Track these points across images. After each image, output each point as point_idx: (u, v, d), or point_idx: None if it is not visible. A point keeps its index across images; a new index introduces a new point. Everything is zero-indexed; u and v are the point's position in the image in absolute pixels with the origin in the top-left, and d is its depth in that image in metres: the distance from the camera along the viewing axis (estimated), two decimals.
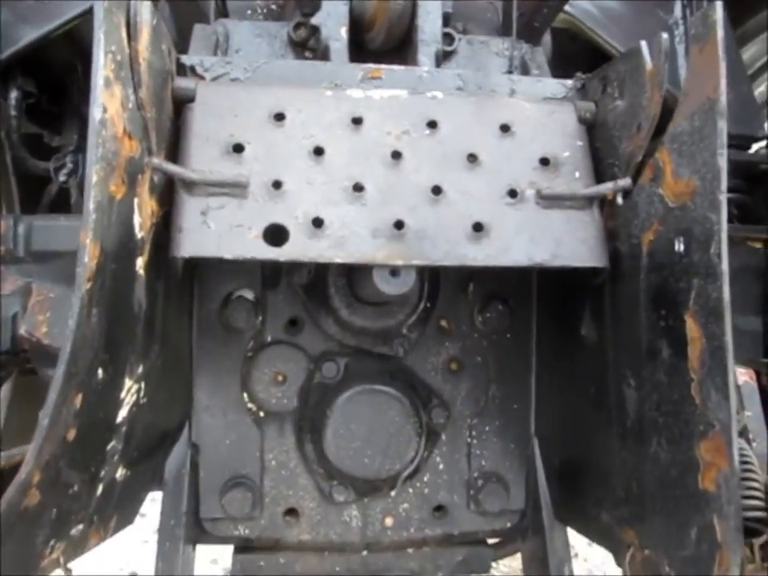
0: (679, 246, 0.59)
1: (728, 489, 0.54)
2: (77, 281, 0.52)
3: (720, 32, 0.56)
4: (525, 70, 0.91)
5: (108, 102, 0.51)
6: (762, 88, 1.62)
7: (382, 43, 0.84)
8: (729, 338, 0.54)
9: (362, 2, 0.82)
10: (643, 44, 0.65)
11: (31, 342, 1.01)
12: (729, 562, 0.54)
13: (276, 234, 0.61)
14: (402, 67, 0.74)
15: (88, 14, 1.23)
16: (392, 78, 0.71)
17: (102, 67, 0.50)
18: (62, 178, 1.39)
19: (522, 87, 0.74)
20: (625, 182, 0.65)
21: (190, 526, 0.81)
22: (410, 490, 0.86)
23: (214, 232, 0.60)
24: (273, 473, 0.84)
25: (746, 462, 0.63)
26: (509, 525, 0.86)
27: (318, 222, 0.62)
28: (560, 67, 1.38)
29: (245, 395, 0.84)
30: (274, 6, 1.08)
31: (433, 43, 0.81)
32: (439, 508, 0.86)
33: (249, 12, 1.08)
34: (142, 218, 0.58)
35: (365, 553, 0.86)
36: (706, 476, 0.57)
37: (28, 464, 0.50)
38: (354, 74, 0.71)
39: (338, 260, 0.62)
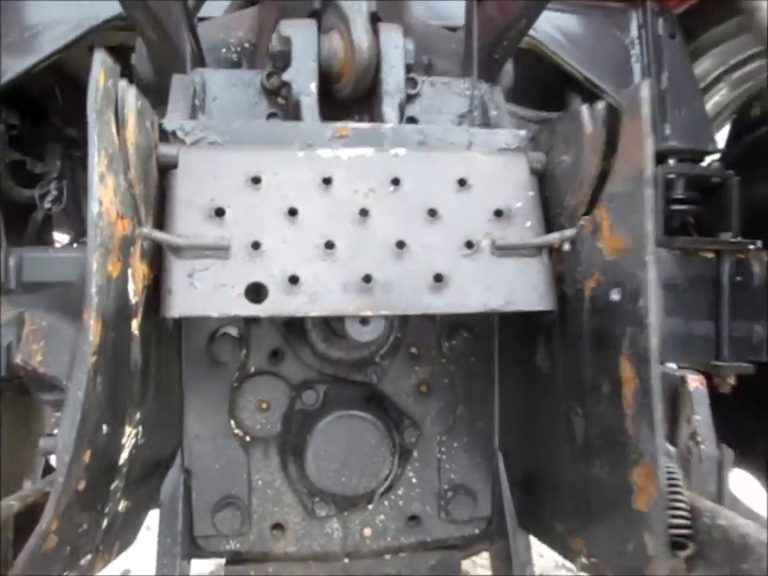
0: (615, 296, 0.67)
1: (657, 510, 0.63)
2: (82, 356, 0.58)
3: (646, 110, 0.63)
4: (484, 109, 0.98)
5: (103, 195, 0.57)
6: (717, 98, 1.69)
7: (350, 93, 0.90)
8: (655, 381, 0.62)
9: (329, 58, 0.87)
10: (583, 108, 0.72)
11: (27, 370, 1.07)
12: (658, 572, 0.62)
13: (256, 292, 0.68)
14: (368, 125, 0.81)
15: (70, 47, 1.27)
16: (358, 135, 0.78)
17: (96, 165, 0.56)
18: (46, 206, 1.43)
19: (478, 139, 0.80)
20: (570, 232, 0.72)
21: (185, 543, 0.89)
22: (386, 503, 0.94)
23: (200, 292, 0.67)
24: (260, 492, 0.92)
25: (674, 485, 0.71)
26: (477, 531, 0.95)
27: (294, 279, 0.69)
28: (526, 89, 1.45)
29: (232, 422, 0.91)
30: (246, 45, 1.13)
31: (396, 94, 0.87)
32: (413, 518, 0.95)
33: (223, 50, 1.14)
34: (135, 284, 0.65)
35: (346, 560, 0.94)
36: (638, 498, 0.65)
37: (48, 514, 0.56)
38: (324, 133, 0.78)
39: (314, 314, 0.69)
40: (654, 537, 0.63)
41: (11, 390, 1.23)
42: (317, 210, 0.72)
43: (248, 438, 0.91)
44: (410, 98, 0.95)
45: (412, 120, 0.95)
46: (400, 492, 0.94)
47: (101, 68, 0.58)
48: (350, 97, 0.90)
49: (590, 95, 1.40)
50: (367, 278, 0.70)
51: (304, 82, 0.85)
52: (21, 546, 0.59)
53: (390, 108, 0.86)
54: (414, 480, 0.94)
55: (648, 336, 0.62)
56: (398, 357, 0.92)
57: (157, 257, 0.69)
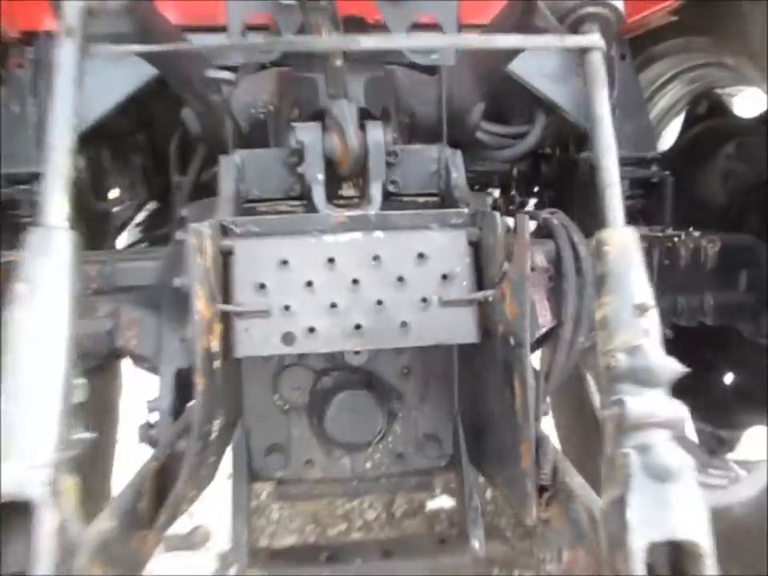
0: (512, 341, 1.06)
1: (530, 469, 1.05)
2: (199, 400, 0.98)
3: (526, 238, 0.99)
4: (447, 170, 1.32)
5: (200, 305, 0.97)
6: (672, 93, 1.96)
7: (348, 173, 1.26)
8: (530, 396, 1.02)
9: (332, 152, 1.23)
10: (497, 215, 1.08)
11: (127, 350, 1.51)
12: (531, 507, 1.06)
13: (288, 338, 1.09)
14: (358, 213, 1.18)
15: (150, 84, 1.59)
16: (352, 222, 1.15)
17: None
18: (126, 213, 1.83)
19: (434, 219, 1.17)
20: (489, 293, 1.11)
21: (248, 474, 1.36)
22: (380, 447, 1.39)
23: (254, 340, 1.08)
24: (295, 441, 1.38)
25: (544, 453, 1.12)
26: (443, 463, 1.41)
27: (311, 329, 1.09)
28: (498, 107, 1.74)
29: (275, 396, 1.36)
30: (270, 107, 1.47)
31: (378, 178, 1.23)
32: (399, 455, 1.41)
33: (252, 110, 1.47)
34: (216, 340, 1.06)
35: (354, 482, 1.42)
36: (522, 461, 1.08)
37: (185, 469, 1.00)
38: (329, 221, 1.15)
39: (324, 350, 1.11)
40: (530, 483, 1.06)
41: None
42: (325, 281, 1.11)
43: (286, 407, 1.37)
44: (391, 165, 1.30)
45: (394, 182, 1.31)
46: (389, 440, 1.39)
47: (194, 240, 0.96)
48: (348, 174, 1.26)
49: (552, 112, 1.71)
50: (358, 326, 1.10)
51: (314, 173, 1.21)
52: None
53: (375, 191, 1.22)
54: (399, 431, 1.39)
55: (525, 369, 1.02)
56: (387, 352, 1.35)
57: (227, 318, 1.10)
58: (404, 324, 1.11)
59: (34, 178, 1.56)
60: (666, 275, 1.62)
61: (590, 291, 1.30)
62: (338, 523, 2.48)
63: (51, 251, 0.92)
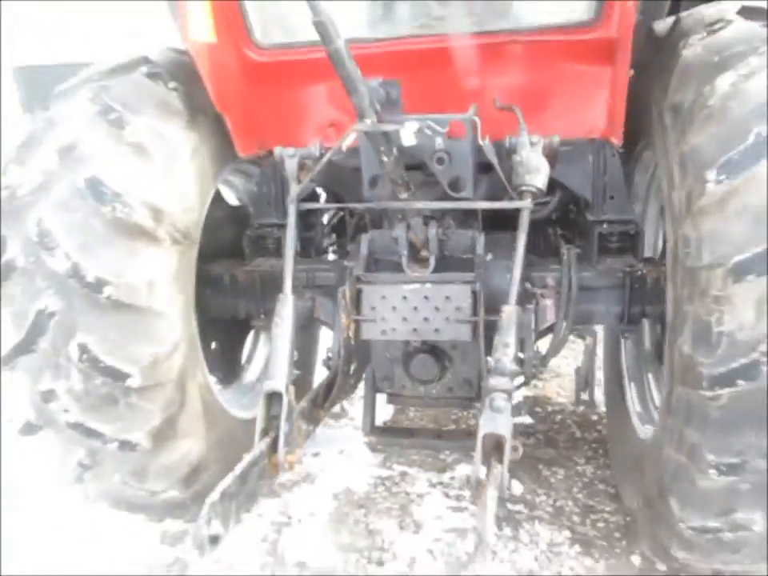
0: None
1: None
2: (343, 354, 2.32)
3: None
4: (474, 243, 2.46)
5: (345, 324, 2.28)
6: None
7: (420, 248, 2.47)
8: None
9: (413, 241, 2.43)
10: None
11: (319, 319, 2.88)
12: None
13: (383, 332, 2.37)
14: (420, 273, 2.39)
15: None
16: (417, 279, 2.37)
17: (342, 319, 2.27)
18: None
19: (456, 279, 2.34)
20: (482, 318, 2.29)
21: (372, 389, 2.70)
22: (440, 383, 2.60)
23: (369, 331, 2.38)
24: (396, 376, 2.67)
25: None
26: (473, 395, 2.62)
27: (393, 329, 2.36)
28: None
29: (387, 354, 2.66)
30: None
31: (433, 253, 2.41)
32: (450, 388, 2.63)
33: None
34: (353, 331, 2.37)
35: (427, 400, 2.69)
36: None
37: (337, 389, 2.35)
38: (406, 278, 2.38)
39: (400, 339, 2.39)
40: None
41: None
42: (401, 307, 2.34)
43: (391, 359, 2.66)
44: (443, 241, 2.46)
45: (443, 251, 2.48)
46: (444, 380, 2.60)
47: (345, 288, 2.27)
48: (420, 248, 2.47)
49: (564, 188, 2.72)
50: (415, 330, 2.35)
51: (402, 250, 2.42)
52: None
53: (432, 260, 2.39)
54: (449, 376, 2.60)
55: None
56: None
57: (357, 321, 2.40)
58: (437, 330, 2.34)
59: (274, 226, 2.96)
60: None
61: (573, 303, 2.43)
62: (416, 419, 3.78)
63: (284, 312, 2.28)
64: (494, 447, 1.90)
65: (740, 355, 1.73)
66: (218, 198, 2.95)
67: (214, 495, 1.82)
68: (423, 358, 2.54)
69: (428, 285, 2.36)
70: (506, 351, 2.01)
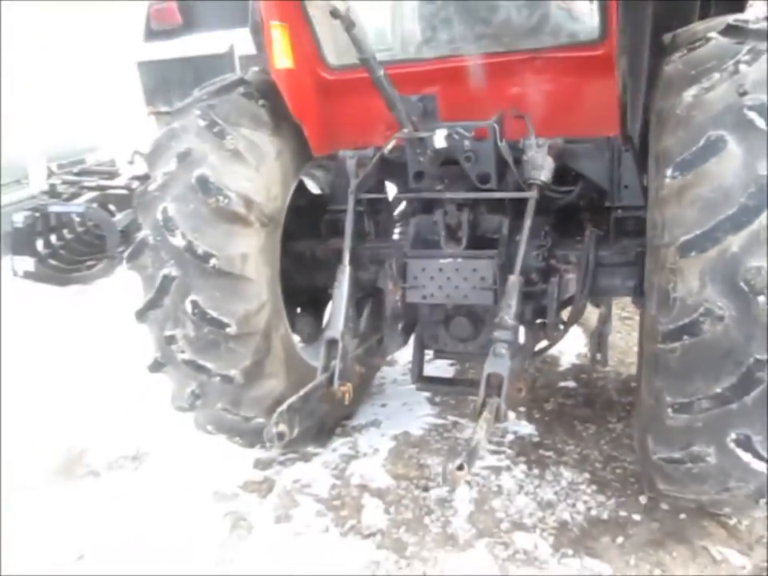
0: None
1: None
2: (388, 316, 2.93)
3: None
4: (501, 226, 2.97)
5: (394, 291, 2.88)
6: None
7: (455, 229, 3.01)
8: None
9: (450, 224, 2.98)
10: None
11: (381, 288, 3.51)
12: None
13: (424, 296, 2.95)
14: (454, 250, 2.94)
15: None
16: (450, 254, 2.93)
17: (390, 288, 2.87)
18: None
19: (481, 255, 2.88)
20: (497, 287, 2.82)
21: (421, 345, 3.28)
22: (475, 340, 3.16)
23: (413, 296, 2.97)
24: (440, 336, 3.25)
25: None
26: None
27: (432, 294, 2.94)
28: (557, 179, 3.27)
29: (432, 314, 3.24)
30: None
31: (464, 234, 2.96)
32: (483, 347, 3.17)
33: None
34: (399, 295, 2.97)
35: (464, 354, 3.24)
36: None
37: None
38: (443, 254, 2.94)
39: (437, 302, 2.96)
40: None
41: None
42: (438, 276, 2.92)
43: (434, 320, 3.22)
44: (473, 224, 3.00)
45: (475, 231, 3.00)
46: (478, 340, 3.14)
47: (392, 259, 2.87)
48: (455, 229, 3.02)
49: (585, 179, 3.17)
50: (448, 296, 2.91)
51: (440, 231, 2.98)
52: None
53: (464, 240, 2.93)
54: (483, 335, 3.14)
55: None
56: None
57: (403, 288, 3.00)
58: (465, 296, 2.89)
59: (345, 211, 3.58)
60: None
61: (591, 278, 2.91)
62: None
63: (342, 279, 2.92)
64: (495, 384, 2.45)
65: (686, 315, 2.18)
66: (302, 188, 3.63)
67: (283, 407, 2.49)
68: (461, 320, 3.10)
69: (459, 259, 2.91)
70: (508, 311, 2.55)
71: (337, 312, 2.86)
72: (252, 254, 2.93)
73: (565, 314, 3.15)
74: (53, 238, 7.06)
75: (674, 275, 2.21)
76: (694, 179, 2.18)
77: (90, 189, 7.32)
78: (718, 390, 2.19)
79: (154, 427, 4.12)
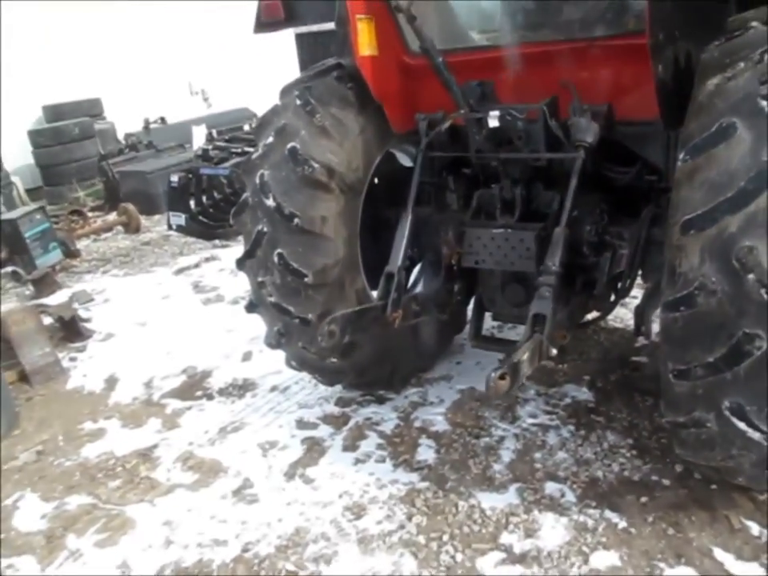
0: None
1: None
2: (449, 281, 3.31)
3: None
4: (553, 201, 3.22)
5: (449, 253, 3.25)
6: None
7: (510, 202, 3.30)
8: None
9: (507, 198, 3.28)
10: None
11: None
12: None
13: (478, 261, 3.30)
14: (507, 220, 3.24)
15: None
16: (502, 225, 3.24)
17: (446, 253, 3.24)
18: None
19: (527, 227, 3.17)
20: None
21: (480, 308, 3.63)
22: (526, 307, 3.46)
23: (470, 261, 3.32)
24: (497, 299, 3.56)
25: None
26: None
27: (484, 260, 3.27)
28: (615, 158, 3.42)
29: (489, 278, 3.56)
30: None
31: (517, 208, 3.24)
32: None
33: None
34: (456, 259, 3.33)
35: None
36: None
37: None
38: (496, 224, 3.27)
39: (490, 267, 3.29)
40: None
41: None
42: (490, 243, 3.24)
43: (503, 286, 3.54)
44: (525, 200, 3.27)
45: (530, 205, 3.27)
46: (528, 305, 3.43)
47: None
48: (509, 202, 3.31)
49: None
50: (498, 262, 3.23)
51: (495, 204, 3.30)
52: None
53: (517, 212, 3.24)
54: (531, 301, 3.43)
55: None
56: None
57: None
58: (512, 263, 3.19)
59: (427, 183, 3.97)
60: None
61: (641, 254, 3.12)
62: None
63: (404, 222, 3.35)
64: (539, 322, 2.76)
65: (684, 288, 2.38)
66: (393, 160, 4.06)
67: (338, 314, 3.00)
68: (515, 286, 3.41)
69: (509, 230, 3.22)
70: (553, 258, 2.86)
71: (397, 249, 3.24)
72: (331, 216, 3.41)
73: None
74: (203, 198, 8.01)
75: (680, 251, 2.41)
76: (704, 162, 2.35)
77: (237, 154, 8.20)
78: (711, 360, 2.37)
79: (263, 362, 4.80)
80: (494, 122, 3.04)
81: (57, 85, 11.67)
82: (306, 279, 3.38)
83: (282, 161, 3.39)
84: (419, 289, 3.97)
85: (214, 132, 10.30)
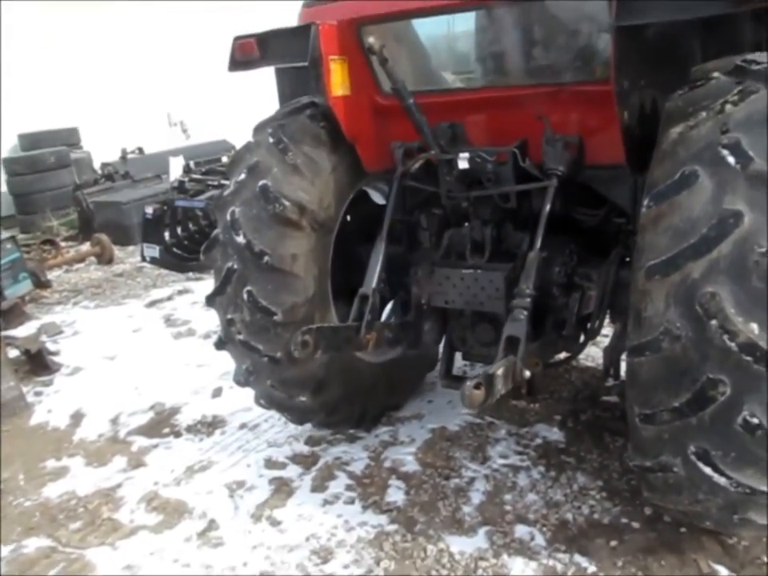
0: None
1: None
2: (413, 315, 3.30)
3: None
4: (519, 244, 3.24)
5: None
6: None
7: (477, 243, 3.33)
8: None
9: (475, 240, 3.30)
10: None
11: None
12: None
13: (447, 301, 3.30)
14: (476, 261, 3.26)
15: None
16: (472, 266, 3.25)
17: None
18: None
19: (496, 268, 3.18)
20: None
21: (450, 346, 3.61)
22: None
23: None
24: (469, 338, 3.56)
25: None
26: None
27: (453, 300, 3.27)
28: (581, 202, 3.48)
29: (455, 312, 3.56)
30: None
31: (487, 248, 3.26)
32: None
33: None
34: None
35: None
36: None
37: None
38: (463, 264, 3.28)
39: (458, 307, 3.29)
40: None
41: None
42: (457, 282, 3.26)
43: (461, 321, 3.54)
44: (495, 242, 3.30)
45: (498, 247, 3.30)
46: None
47: None
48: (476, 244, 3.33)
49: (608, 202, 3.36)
50: (454, 306, 3.24)
51: (466, 244, 3.32)
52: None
53: (486, 252, 3.26)
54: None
55: None
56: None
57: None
58: (481, 303, 3.19)
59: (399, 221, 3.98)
60: None
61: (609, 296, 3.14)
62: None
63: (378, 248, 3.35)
64: (512, 345, 2.75)
65: (650, 333, 2.39)
66: (367, 198, 4.08)
67: (313, 326, 2.95)
68: (485, 326, 3.41)
69: (479, 270, 3.23)
70: (527, 281, 2.86)
71: (371, 271, 3.24)
72: (302, 254, 3.40)
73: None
74: (178, 230, 7.97)
75: (645, 296, 2.43)
76: (668, 209, 2.38)
77: (214, 187, 8.20)
78: (676, 405, 2.38)
79: (233, 398, 4.73)
80: (463, 164, 3.07)
81: (34, 113, 11.61)
82: (275, 317, 3.35)
83: (254, 198, 3.38)
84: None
85: (192, 163, 10.29)
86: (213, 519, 3.56)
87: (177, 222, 7.88)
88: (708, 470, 2.44)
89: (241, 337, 3.48)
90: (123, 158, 12.03)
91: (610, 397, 4.36)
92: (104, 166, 11.67)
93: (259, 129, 3.64)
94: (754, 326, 2.18)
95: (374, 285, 3.30)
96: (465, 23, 3.31)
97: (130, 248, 9.30)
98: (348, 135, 3.47)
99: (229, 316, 3.50)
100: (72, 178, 11.22)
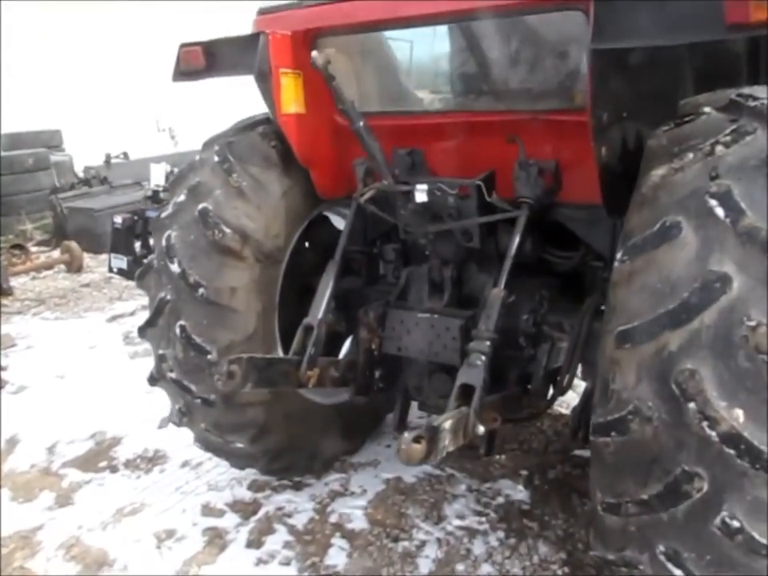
0: None
1: None
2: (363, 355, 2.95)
3: None
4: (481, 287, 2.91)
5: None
6: None
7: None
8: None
9: (433, 279, 2.96)
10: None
11: None
12: None
13: (399, 349, 2.94)
14: (435, 305, 2.91)
15: None
16: (430, 311, 2.91)
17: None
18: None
19: (456, 315, 2.83)
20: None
21: (405, 395, 3.26)
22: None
23: None
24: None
25: None
26: None
27: (402, 348, 2.92)
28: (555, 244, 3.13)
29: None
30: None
31: (447, 290, 2.91)
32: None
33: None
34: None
35: None
36: None
37: None
38: (420, 307, 2.93)
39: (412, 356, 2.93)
40: None
41: None
42: (413, 327, 2.91)
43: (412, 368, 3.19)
44: (455, 281, 2.95)
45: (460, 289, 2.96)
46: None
47: None
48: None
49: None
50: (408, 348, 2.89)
51: (422, 287, 2.98)
52: None
53: (446, 297, 2.92)
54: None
55: None
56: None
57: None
58: (436, 353, 2.84)
59: (359, 252, 3.64)
60: None
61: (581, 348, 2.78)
62: None
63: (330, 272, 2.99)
64: (467, 394, 2.35)
65: (617, 410, 2.04)
66: (327, 224, 3.73)
67: (244, 355, 2.51)
68: (442, 376, 3.05)
69: (435, 316, 2.87)
70: (487, 322, 2.47)
71: (319, 300, 2.87)
72: (242, 287, 3.05)
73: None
74: (151, 241, 7.60)
75: (614, 365, 2.08)
76: (643, 265, 2.03)
77: None
78: (645, 497, 2.02)
79: (179, 431, 4.34)
80: (421, 197, 2.72)
81: (26, 113, 11.31)
82: (209, 356, 3.01)
83: (192, 222, 3.04)
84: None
85: (176, 170, 9.94)
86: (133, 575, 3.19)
87: (148, 233, 7.51)
88: (679, 573, 2.08)
89: (173, 375, 3.13)
90: (107, 162, 11.70)
91: (582, 451, 4.00)
92: (87, 169, 11.34)
93: (207, 145, 3.31)
94: (739, 413, 1.81)
95: (320, 315, 2.90)
96: (431, 39, 2.97)
97: (102, 256, 8.91)
98: (300, 158, 3.14)
99: (161, 351, 3.15)
100: (51, 181, 10.88)
